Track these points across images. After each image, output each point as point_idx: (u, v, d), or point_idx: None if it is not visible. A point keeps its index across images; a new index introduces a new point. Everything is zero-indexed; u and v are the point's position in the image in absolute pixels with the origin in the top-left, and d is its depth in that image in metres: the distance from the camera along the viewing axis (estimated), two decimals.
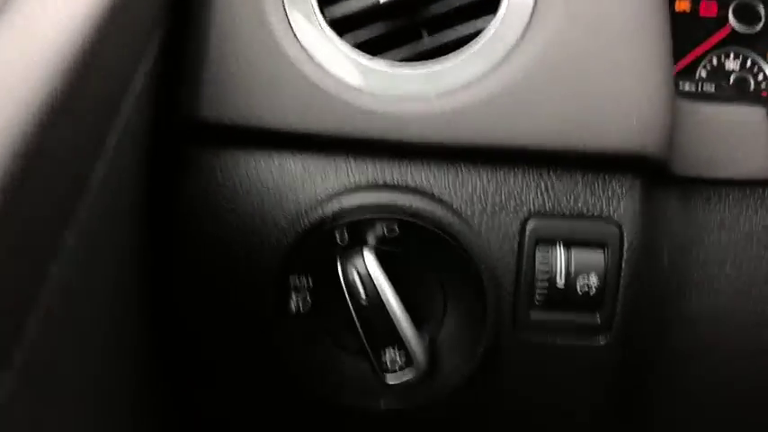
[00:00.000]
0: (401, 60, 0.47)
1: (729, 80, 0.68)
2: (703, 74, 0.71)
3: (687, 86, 0.59)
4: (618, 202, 0.47)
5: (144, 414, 0.47)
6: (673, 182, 0.50)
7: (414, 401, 0.48)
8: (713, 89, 0.64)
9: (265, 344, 0.48)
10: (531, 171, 0.47)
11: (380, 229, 0.46)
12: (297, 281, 0.47)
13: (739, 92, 0.62)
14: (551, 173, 0.47)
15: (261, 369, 0.49)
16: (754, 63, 0.70)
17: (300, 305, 0.47)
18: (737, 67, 0.70)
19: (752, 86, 0.69)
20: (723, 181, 0.51)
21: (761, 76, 0.70)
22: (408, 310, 0.46)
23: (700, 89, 0.58)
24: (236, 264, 0.47)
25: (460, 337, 0.48)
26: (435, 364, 0.48)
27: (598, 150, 0.45)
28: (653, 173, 0.48)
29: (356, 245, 0.46)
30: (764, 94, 0.69)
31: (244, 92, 0.45)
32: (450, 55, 0.47)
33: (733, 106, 0.53)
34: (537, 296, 0.47)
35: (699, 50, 0.70)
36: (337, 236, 0.46)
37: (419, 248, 0.47)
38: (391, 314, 0.45)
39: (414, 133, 0.45)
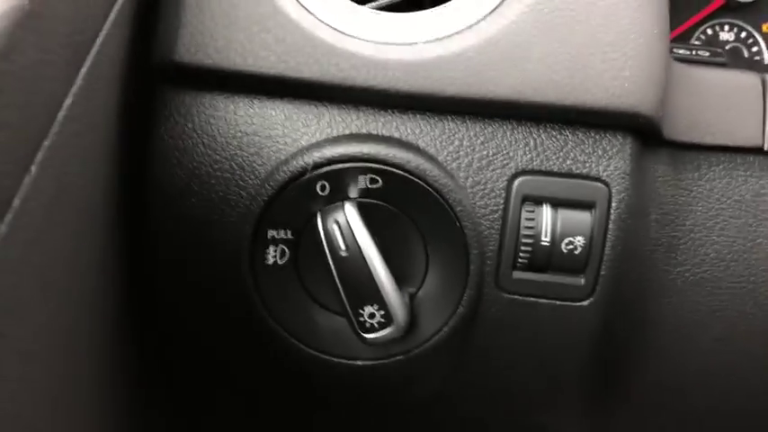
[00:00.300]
0: (389, 7, 0.45)
1: (724, 50, 0.67)
2: (697, 43, 0.69)
3: (681, 53, 0.58)
4: (608, 162, 0.45)
5: (116, 357, 0.45)
6: (663, 146, 0.49)
7: (392, 358, 0.47)
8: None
9: (240, 295, 0.46)
10: (520, 127, 0.45)
11: (363, 181, 0.45)
12: (275, 233, 0.45)
13: (734, 61, 0.61)
14: (541, 129, 0.45)
15: (235, 320, 0.48)
16: (749, 35, 0.69)
17: (278, 258, 0.46)
18: (732, 38, 0.69)
19: (746, 57, 0.68)
20: (714, 147, 0.50)
21: (755, 48, 0.69)
22: (389, 268, 0.45)
23: (694, 55, 0.57)
24: (211, 212, 0.45)
25: (442, 294, 0.47)
26: (415, 322, 0.47)
27: (589, 106, 0.43)
28: (644, 134, 0.47)
29: (337, 197, 0.45)
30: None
31: (224, 33, 0.43)
32: (441, 3, 0.45)
33: (727, 72, 0.51)
34: (521, 255, 0.46)
35: (694, 19, 0.69)
36: (318, 187, 0.44)
37: (402, 203, 0.45)
38: (371, 267, 0.44)
39: (400, 81, 0.43)
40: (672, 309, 0.50)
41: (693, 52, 0.57)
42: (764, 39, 0.69)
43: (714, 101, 0.49)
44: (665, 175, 0.49)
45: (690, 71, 0.50)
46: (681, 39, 0.69)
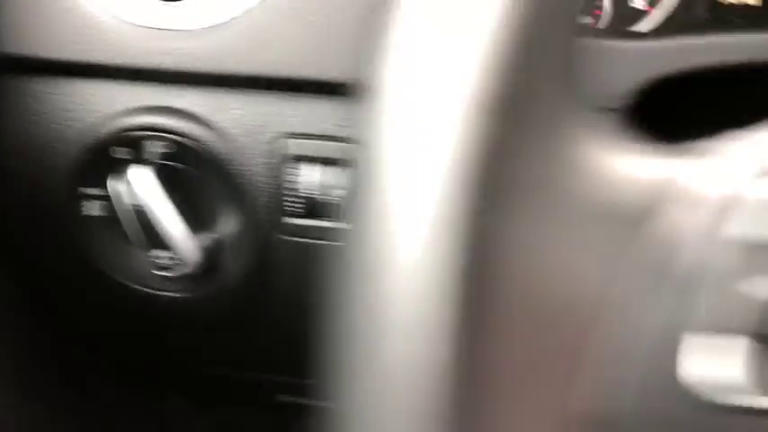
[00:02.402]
0: None
1: None
2: None
3: None
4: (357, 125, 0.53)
5: None
6: None
7: (196, 293, 0.57)
8: None
9: (68, 245, 0.56)
10: (285, 96, 0.53)
11: (154, 146, 0.53)
12: (87, 190, 0.54)
13: None
14: (303, 98, 0.53)
15: (69, 268, 0.58)
16: None
17: (93, 211, 0.55)
18: None
19: None
20: None
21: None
22: (187, 219, 0.53)
23: None
24: (36, 178, 0.55)
25: (234, 241, 0.56)
26: (214, 264, 0.56)
27: (324, 78, 0.50)
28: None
29: (131, 160, 0.53)
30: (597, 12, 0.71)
31: (15, 21, 0.52)
32: None
33: None
34: (294, 205, 0.54)
35: None
36: (115, 152, 0.53)
37: (191, 164, 0.54)
38: (160, 220, 0.53)
39: (175, 63, 0.51)
40: None
41: None
42: None
43: None
44: None
45: None
46: None
